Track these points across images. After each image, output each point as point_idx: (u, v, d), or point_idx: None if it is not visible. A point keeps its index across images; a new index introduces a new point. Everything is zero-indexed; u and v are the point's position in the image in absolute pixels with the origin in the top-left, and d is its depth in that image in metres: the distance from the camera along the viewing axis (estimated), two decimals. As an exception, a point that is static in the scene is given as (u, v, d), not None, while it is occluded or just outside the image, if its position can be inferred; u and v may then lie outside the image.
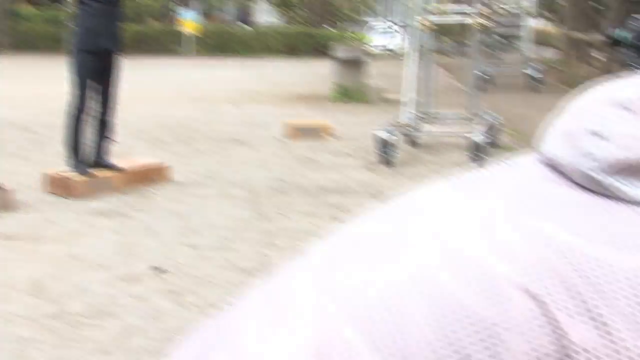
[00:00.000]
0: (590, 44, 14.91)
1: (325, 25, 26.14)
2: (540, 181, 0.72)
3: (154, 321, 3.07)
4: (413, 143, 7.32)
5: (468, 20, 7.17)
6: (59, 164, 5.36)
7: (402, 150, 6.87)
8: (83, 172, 5.11)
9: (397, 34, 17.39)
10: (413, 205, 0.75)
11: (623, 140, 0.69)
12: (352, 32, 24.08)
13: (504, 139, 7.43)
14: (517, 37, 13.84)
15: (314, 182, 5.75)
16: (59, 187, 5.09)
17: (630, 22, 2.16)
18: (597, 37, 13.57)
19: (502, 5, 10.02)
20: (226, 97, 11.67)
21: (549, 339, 0.61)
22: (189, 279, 3.58)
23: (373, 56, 15.47)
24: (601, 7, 16.28)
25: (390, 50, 20.99)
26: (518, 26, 13.32)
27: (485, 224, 0.69)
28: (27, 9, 23.79)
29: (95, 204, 4.87)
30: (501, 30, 12.88)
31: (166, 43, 22.22)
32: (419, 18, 7.03)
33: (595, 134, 0.70)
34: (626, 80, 0.73)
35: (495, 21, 9.30)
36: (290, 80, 15.05)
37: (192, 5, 23.17)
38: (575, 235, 0.65)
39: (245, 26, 26.32)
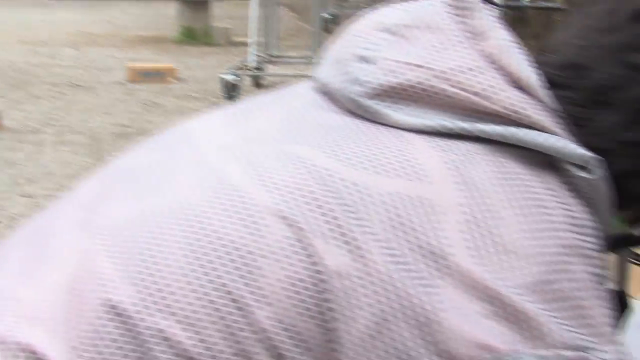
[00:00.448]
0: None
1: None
2: (310, 108, 0.73)
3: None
4: (258, 85, 7.30)
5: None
6: None
7: (248, 92, 6.82)
8: None
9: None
10: (182, 135, 0.75)
11: (388, 64, 0.70)
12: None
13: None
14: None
15: (159, 127, 5.62)
16: None
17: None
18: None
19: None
20: (66, 40, 11.14)
21: (304, 265, 0.62)
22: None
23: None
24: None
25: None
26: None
27: (247, 151, 0.69)
28: None
29: None
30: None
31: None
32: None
33: (362, 59, 0.72)
34: (395, 6, 0.74)
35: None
36: (134, 22, 14.52)
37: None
38: (335, 161, 0.66)
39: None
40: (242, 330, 0.61)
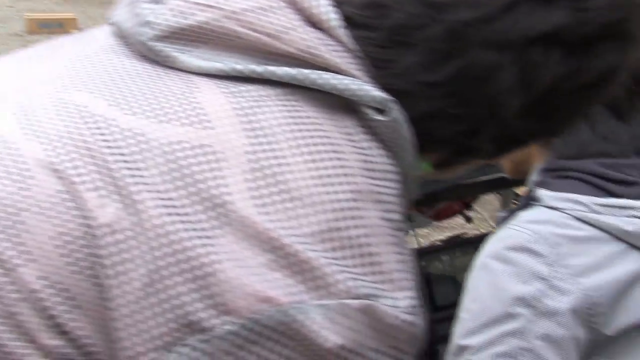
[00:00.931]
0: None
1: None
2: (102, 52, 0.69)
3: None
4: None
5: None
6: None
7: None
8: None
9: None
10: None
11: (177, 5, 0.67)
12: None
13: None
14: None
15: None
16: None
17: None
18: None
19: None
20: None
21: (73, 220, 0.58)
22: None
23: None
24: None
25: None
26: None
27: (25, 100, 0.65)
28: None
29: None
30: None
31: None
32: None
33: (153, 0, 0.68)
34: None
35: None
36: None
37: None
38: (117, 108, 0.63)
39: None
40: (2, 289, 0.57)
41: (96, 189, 0.59)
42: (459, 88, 0.69)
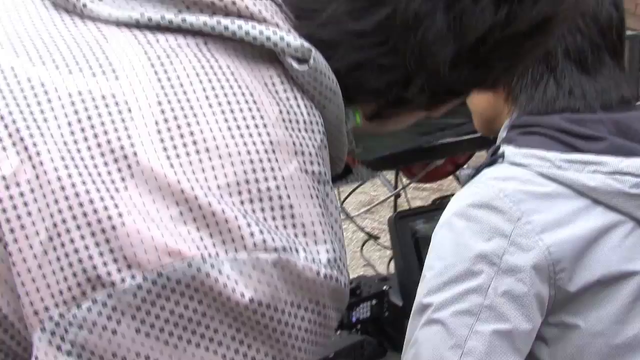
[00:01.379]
0: None
1: None
2: (20, 2, 0.67)
3: None
4: None
5: None
6: None
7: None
8: None
9: None
10: None
11: None
12: None
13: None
14: None
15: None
16: None
17: None
18: None
19: None
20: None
21: None
22: None
23: None
24: None
25: None
26: None
27: None
28: None
29: None
30: None
31: None
32: None
33: None
34: None
35: None
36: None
37: None
38: (25, 59, 0.61)
39: None
40: None
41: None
42: (387, 37, 0.66)
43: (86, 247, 0.55)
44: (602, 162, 1.14)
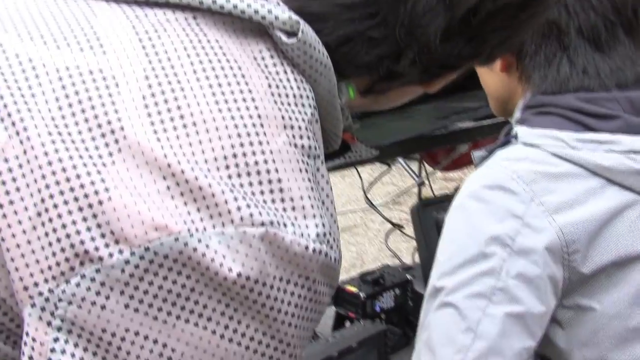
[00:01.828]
0: None
1: None
2: None
3: None
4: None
5: None
6: None
7: None
8: None
9: None
10: None
11: None
12: None
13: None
14: None
15: None
16: None
17: None
18: None
19: None
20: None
21: None
22: None
23: None
24: None
25: None
26: None
27: None
28: None
29: None
30: None
31: None
32: None
33: None
34: None
35: None
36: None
37: None
38: (14, 35, 0.62)
39: None
40: None
41: None
42: (377, 9, 0.66)
43: (74, 223, 0.55)
44: (616, 141, 1.12)
